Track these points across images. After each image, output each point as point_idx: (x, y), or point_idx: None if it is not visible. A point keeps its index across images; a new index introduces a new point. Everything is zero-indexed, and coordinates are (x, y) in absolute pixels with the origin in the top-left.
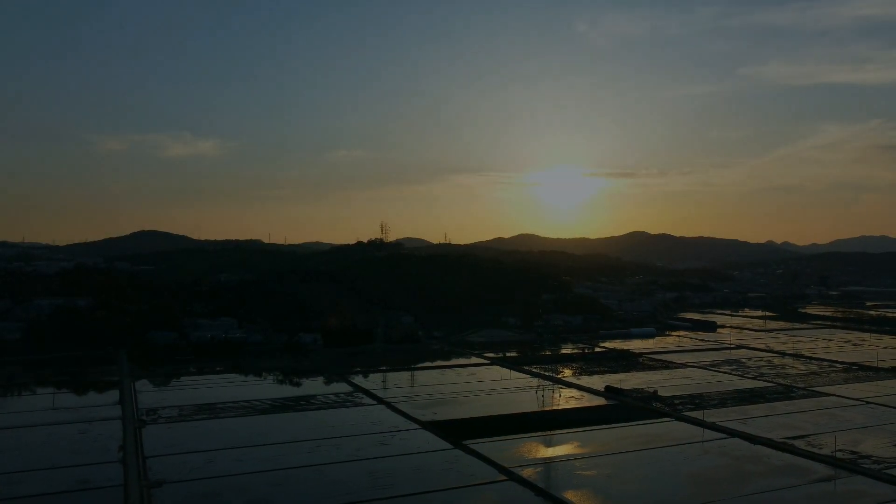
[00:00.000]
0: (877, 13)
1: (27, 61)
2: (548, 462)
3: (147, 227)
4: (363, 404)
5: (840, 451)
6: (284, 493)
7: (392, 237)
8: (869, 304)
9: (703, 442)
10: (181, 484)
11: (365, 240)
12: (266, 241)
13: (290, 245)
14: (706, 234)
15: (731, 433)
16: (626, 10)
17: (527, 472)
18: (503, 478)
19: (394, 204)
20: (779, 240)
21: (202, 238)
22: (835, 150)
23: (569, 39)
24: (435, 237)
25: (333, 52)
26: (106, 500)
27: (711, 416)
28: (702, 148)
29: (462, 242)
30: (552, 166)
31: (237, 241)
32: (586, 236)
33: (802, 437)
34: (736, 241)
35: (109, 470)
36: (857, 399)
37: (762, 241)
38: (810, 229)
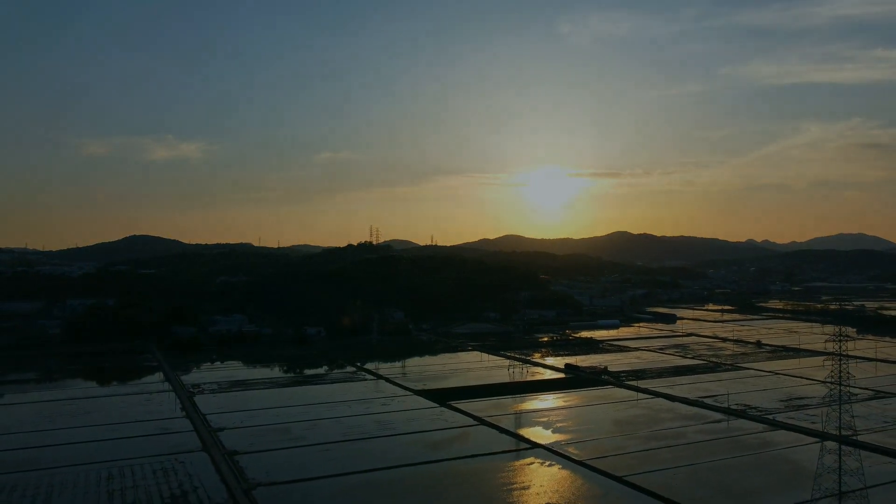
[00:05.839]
0: (856, 13)
1: (5, 64)
2: (511, 413)
3: (137, 232)
4: (366, 379)
5: (736, 404)
6: (315, 433)
7: (380, 239)
8: (825, 298)
9: (634, 400)
10: (236, 430)
11: (354, 242)
12: (256, 244)
13: (281, 248)
14: (687, 234)
15: (657, 395)
16: (609, 11)
17: (494, 420)
18: (476, 423)
19: (380, 206)
20: (759, 238)
21: (193, 242)
22: (816, 148)
23: (552, 40)
24: (422, 239)
25: (317, 54)
26: (186, 440)
27: (646, 384)
28: (685, 148)
29: (448, 244)
30: (537, 167)
31: (229, 244)
32: (570, 237)
33: (712, 396)
34: (716, 240)
35: (179, 422)
36: (769, 371)
37: (743, 239)
38: (791, 227)
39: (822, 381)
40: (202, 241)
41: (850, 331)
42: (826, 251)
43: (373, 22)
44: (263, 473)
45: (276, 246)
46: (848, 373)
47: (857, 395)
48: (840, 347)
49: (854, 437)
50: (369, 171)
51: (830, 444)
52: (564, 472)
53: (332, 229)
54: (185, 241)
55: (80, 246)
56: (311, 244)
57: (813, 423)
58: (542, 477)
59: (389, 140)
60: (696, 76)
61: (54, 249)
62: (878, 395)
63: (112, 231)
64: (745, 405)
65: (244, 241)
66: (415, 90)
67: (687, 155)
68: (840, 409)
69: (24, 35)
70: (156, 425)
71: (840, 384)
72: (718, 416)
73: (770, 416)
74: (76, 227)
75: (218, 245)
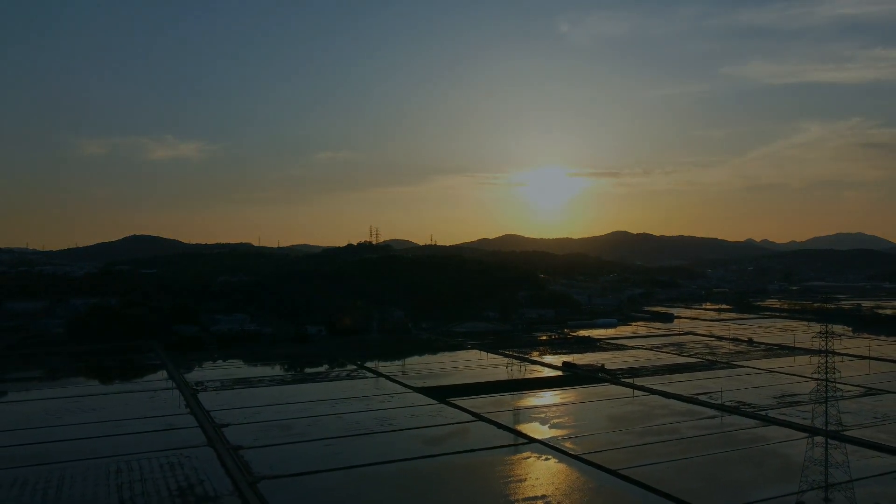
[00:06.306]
0: (855, 12)
1: (5, 63)
2: (509, 410)
3: (137, 232)
4: (366, 377)
5: (730, 401)
6: (318, 429)
7: (380, 239)
8: (821, 297)
9: (629, 397)
10: (240, 426)
11: (354, 242)
12: (256, 244)
13: (281, 248)
14: (686, 233)
15: (653, 392)
16: (609, 11)
17: (492, 416)
18: (475, 419)
19: (380, 206)
20: (759, 238)
21: (193, 242)
22: (816, 148)
23: (551, 40)
24: (421, 238)
25: (315, 53)
26: (191, 436)
27: (641, 381)
28: (685, 147)
29: (448, 243)
30: (537, 167)
31: (229, 244)
32: (569, 236)
33: (707, 393)
34: (715, 239)
35: (184, 419)
36: (764, 369)
37: (742, 239)
38: (790, 227)
39: (813, 378)
40: (202, 241)
41: (846, 329)
42: (825, 251)
43: (372, 22)
44: (267, 467)
45: (276, 246)
46: (835, 369)
47: (848, 391)
48: (826, 344)
49: (842, 432)
50: (369, 171)
51: (819, 439)
52: (560, 466)
53: (332, 229)
54: (185, 241)
55: (81, 246)
56: (311, 244)
57: (804, 419)
58: (538, 470)
59: (389, 140)
60: (696, 76)
61: (54, 249)
62: (870, 391)
63: (112, 231)
64: (739, 402)
65: (244, 241)
66: (415, 90)
67: (686, 155)
68: (826, 404)
69: (25, 35)
70: (161, 421)
71: (826, 380)
72: (712, 412)
73: (763, 413)
74: (76, 227)
75: (218, 245)
